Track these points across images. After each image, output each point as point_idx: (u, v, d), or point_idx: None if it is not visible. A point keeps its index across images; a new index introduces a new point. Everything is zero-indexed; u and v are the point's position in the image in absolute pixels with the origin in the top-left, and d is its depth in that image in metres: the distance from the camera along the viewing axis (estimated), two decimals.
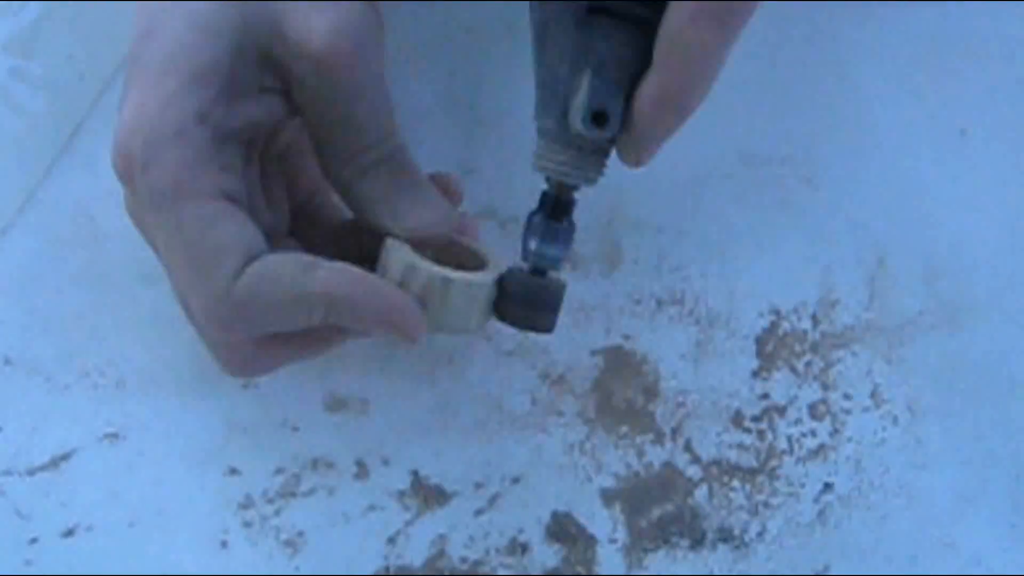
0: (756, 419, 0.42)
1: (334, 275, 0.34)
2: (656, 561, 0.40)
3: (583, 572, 0.40)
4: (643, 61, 0.33)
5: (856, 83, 0.45)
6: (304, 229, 0.38)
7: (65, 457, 0.40)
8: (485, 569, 0.39)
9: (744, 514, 0.41)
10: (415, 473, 0.40)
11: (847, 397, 0.42)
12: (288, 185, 0.38)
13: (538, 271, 0.36)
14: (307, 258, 0.34)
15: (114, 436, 0.40)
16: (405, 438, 0.40)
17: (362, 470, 0.40)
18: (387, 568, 0.39)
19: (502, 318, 0.36)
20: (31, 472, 0.39)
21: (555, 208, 0.35)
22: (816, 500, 0.41)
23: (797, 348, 0.42)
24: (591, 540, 0.40)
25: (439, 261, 0.35)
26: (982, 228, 0.44)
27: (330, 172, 0.36)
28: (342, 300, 0.34)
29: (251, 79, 0.34)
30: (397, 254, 0.35)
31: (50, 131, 0.42)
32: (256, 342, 0.35)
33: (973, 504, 0.41)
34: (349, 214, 0.37)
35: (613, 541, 0.40)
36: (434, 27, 0.43)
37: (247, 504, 0.39)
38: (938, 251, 0.41)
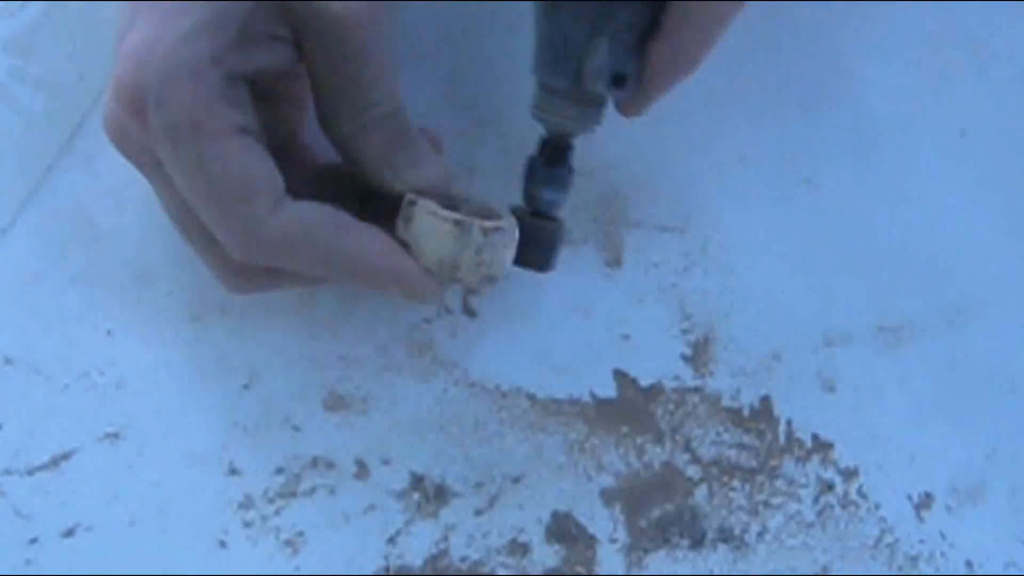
0: (756, 419, 0.42)
1: (365, 242, 0.36)
2: (656, 561, 0.40)
3: (583, 572, 0.40)
4: (652, 26, 0.35)
5: (856, 83, 0.45)
6: (282, 171, 0.39)
7: (65, 457, 0.40)
8: (485, 569, 0.39)
9: (744, 514, 0.41)
10: (415, 473, 0.40)
11: (847, 397, 0.42)
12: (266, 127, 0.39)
13: (538, 214, 0.38)
14: (339, 216, 0.35)
15: (114, 436, 0.40)
16: (405, 438, 0.40)
17: (362, 470, 0.40)
18: (387, 568, 0.39)
19: (516, 261, 0.37)
20: (31, 472, 0.39)
21: (554, 154, 0.38)
22: (816, 500, 0.41)
23: (797, 348, 0.42)
24: (591, 540, 0.40)
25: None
26: (982, 228, 0.44)
27: (330, 125, 0.37)
28: (368, 270, 0.36)
29: (264, 27, 0.35)
30: (425, 210, 0.36)
31: (50, 131, 0.42)
32: (266, 269, 0.36)
33: (973, 504, 0.41)
34: (324, 158, 0.38)
35: (613, 541, 0.40)
36: (434, 27, 0.43)
37: (247, 504, 0.39)
38: (938, 251, 0.41)
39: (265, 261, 0.35)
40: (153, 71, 0.33)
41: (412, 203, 0.37)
